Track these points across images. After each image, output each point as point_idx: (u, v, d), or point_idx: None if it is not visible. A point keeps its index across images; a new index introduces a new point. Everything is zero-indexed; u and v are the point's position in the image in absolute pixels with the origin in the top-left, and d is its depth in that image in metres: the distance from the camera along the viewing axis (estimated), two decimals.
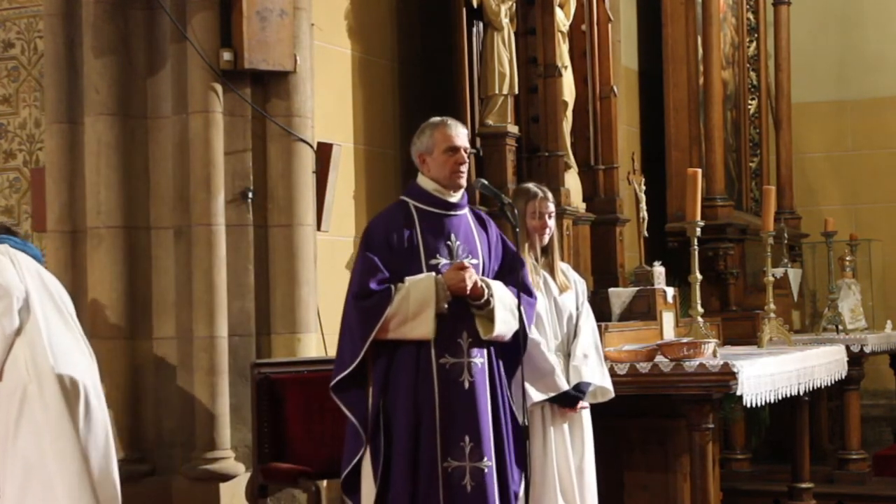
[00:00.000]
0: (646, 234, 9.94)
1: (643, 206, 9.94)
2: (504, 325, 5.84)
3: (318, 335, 7.89)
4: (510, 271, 5.97)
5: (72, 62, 7.84)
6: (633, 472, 8.04)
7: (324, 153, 8.01)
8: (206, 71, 7.60)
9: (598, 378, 6.92)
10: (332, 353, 7.77)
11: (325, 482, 7.38)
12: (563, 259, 7.55)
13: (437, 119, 6.20)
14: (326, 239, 8.16)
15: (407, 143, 9.24)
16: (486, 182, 6.19)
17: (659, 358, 7.85)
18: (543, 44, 9.49)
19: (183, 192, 7.62)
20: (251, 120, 7.79)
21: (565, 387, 6.73)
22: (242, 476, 7.43)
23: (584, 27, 10.16)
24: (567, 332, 6.95)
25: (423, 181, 6.11)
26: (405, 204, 6.08)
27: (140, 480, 7.49)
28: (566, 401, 6.77)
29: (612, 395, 7.02)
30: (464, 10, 9.05)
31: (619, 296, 9.17)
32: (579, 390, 6.79)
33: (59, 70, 7.87)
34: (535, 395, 6.60)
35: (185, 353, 7.55)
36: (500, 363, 5.96)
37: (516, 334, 5.93)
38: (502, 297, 5.85)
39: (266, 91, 7.84)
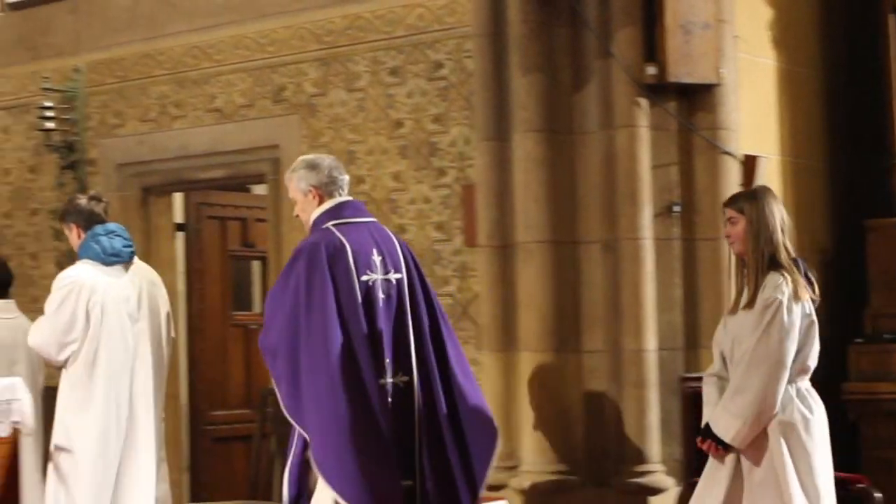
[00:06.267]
0: None
1: None
2: None
3: None
4: None
5: (500, 80, 8.03)
6: None
7: (750, 166, 7.91)
8: (631, 86, 7.64)
9: (721, 429, 5.71)
10: None
11: None
12: None
13: None
14: None
15: (835, 154, 9.09)
16: None
17: None
18: None
19: (610, 206, 7.68)
20: (676, 133, 7.79)
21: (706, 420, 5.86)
22: (671, 490, 7.42)
23: None
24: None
25: None
26: None
27: (571, 492, 7.59)
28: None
29: (725, 440, 5.70)
30: (891, 15, 8.79)
31: None
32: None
33: (487, 88, 8.07)
34: None
35: (614, 366, 7.61)
36: None
37: None
38: None
39: (690, 104, 7.82)
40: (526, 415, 7.80)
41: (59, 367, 6.85)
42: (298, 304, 5.70)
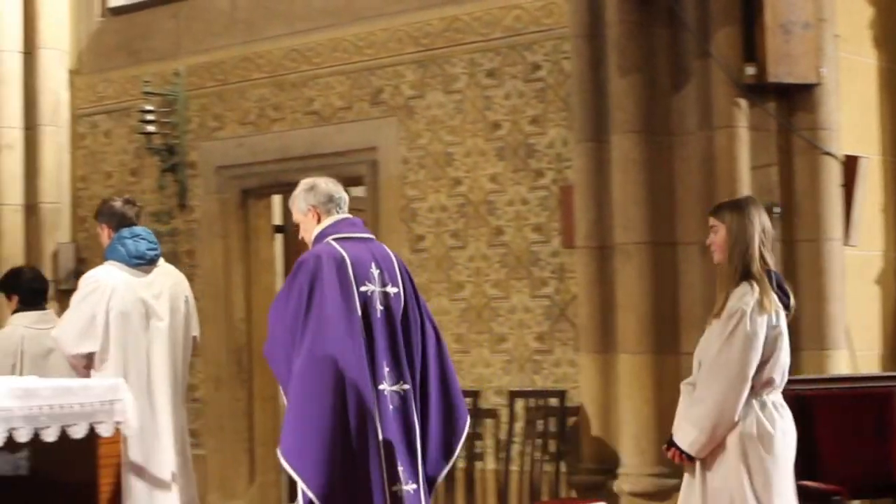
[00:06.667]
0: None
1: None
2: None
3: (847, 352, 7.71)
4: None
5: (597, 82, 8.04)
6: None
7: (851, 166, 7.84)
8: (730, 86, 7.60)
9: (680, 437, 5.70)
10: (861, 369, 7.64)
11: (856, 502, 7.23)
12: None
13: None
14: (854, 253, 7.97)
15: None
16: None
17: None
18: None
19: (708, 207, 7.61)
20: (776, 134, 7.72)
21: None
22: None
23: None
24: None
25: None
26: None
27: (669, 494, 7.55)
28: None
29: (683, 448, 5.66)
30: None
31: None
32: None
33: (585, 90, 8.08)
34: None
35: None
36: None
37: None
38: None
39: (790, 104, 7.76)
40: (624, 417, 7.78)
41: (85, 367, 7.01)
42: (298, 315, 5.86)
